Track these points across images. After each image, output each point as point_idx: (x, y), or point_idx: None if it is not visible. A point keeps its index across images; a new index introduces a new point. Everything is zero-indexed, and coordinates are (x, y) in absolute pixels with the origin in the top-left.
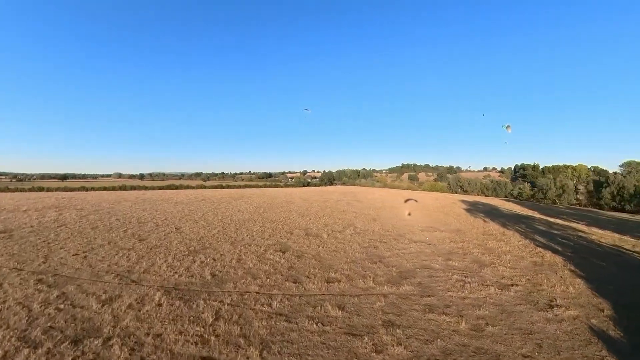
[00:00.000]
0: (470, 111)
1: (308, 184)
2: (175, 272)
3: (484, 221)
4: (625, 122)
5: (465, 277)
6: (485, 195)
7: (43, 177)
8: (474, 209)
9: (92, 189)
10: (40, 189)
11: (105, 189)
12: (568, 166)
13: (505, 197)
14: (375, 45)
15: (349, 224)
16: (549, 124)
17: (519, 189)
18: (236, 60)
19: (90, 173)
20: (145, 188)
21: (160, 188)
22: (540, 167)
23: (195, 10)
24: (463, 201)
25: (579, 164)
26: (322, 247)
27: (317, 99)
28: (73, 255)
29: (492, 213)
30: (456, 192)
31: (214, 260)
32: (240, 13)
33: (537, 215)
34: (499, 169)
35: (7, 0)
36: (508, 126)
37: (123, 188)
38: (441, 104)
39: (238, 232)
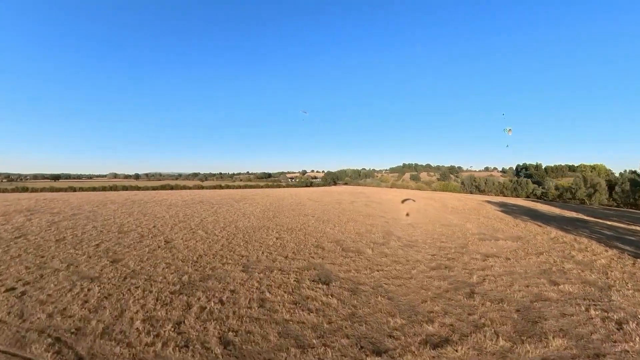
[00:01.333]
0: (471, 111)
1: (311, 184)
2: (157, 336)
3: (539, 226)
4: (625, 122)
5: (604, 312)
6: (505, 195)
7: (36, 177)
8: (510, 210)
9: (81, 189)
10: (24, 189)
11: (94, 189)
12: (571, 166)
13: (527, 197)
14: (375, 45)
15: (387, 233)
16: (548, 123)
17: (543, 188)
18: (236, 60)
19: (86, 173)
20: (138, 188)
21: (154, 188)
22: (543, 167)
23: (195, 10)
24: (489, 202)
25: (580, 164)
26: (378, 271)
27: (317, 99)
28: (6, 290)
29: (536, 216)
30: (471, 192)
31: (222, 303)
32: (240, 13)
33: (586, 217)
34: (500, 169)
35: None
36: (509, 129)
37: (114, 188)
38: (441, 103)
39: (249, 246)
